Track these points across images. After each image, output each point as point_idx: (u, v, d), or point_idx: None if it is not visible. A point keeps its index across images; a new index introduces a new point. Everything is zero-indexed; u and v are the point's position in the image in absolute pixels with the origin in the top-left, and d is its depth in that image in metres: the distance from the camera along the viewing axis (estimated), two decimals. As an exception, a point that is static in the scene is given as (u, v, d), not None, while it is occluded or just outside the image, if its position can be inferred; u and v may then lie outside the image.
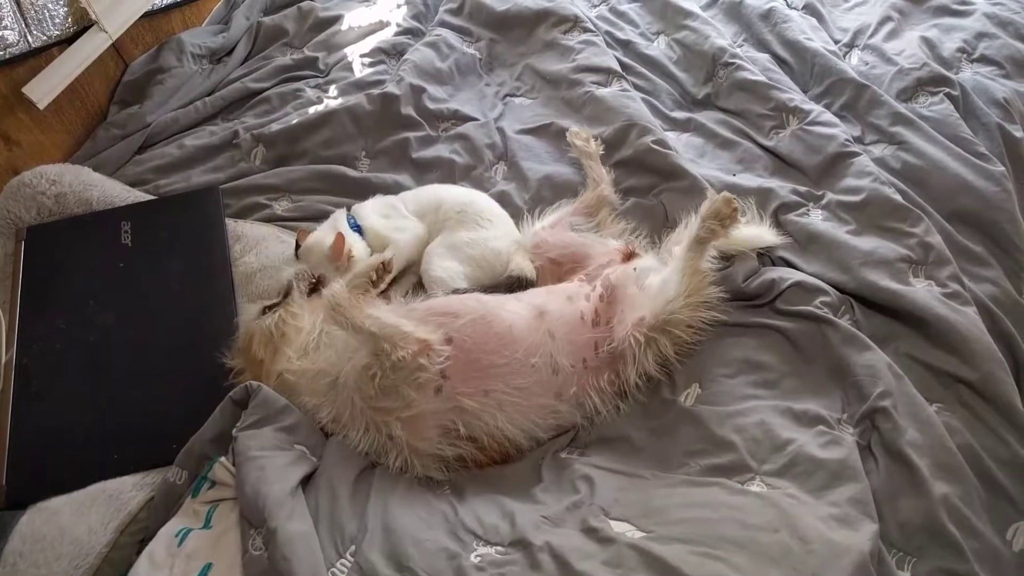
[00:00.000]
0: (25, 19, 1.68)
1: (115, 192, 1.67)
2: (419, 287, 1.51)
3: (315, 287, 1.40)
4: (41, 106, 1.71)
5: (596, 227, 1.55)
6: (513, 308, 1.28)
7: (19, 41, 1.67)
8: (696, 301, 1.28)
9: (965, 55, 1.78)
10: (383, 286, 1.29)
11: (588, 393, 1.26)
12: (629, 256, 1.43)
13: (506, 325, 1.24)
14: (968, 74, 1.74)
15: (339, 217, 1.56)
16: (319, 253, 1.47)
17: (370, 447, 1.21)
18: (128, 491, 1.24)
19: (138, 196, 1.69)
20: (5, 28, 1.63)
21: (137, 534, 1.21)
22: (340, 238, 1.46)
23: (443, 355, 1.19)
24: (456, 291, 1.39)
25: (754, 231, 1.46)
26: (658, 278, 1.30)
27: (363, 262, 1.42)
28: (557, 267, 1.47)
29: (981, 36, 1.81)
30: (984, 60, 1.77)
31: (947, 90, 1.67)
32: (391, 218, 1.57)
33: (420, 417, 1.19)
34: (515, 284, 1.43)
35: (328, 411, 1.24)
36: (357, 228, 1.55)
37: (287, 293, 1.38)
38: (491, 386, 1.21)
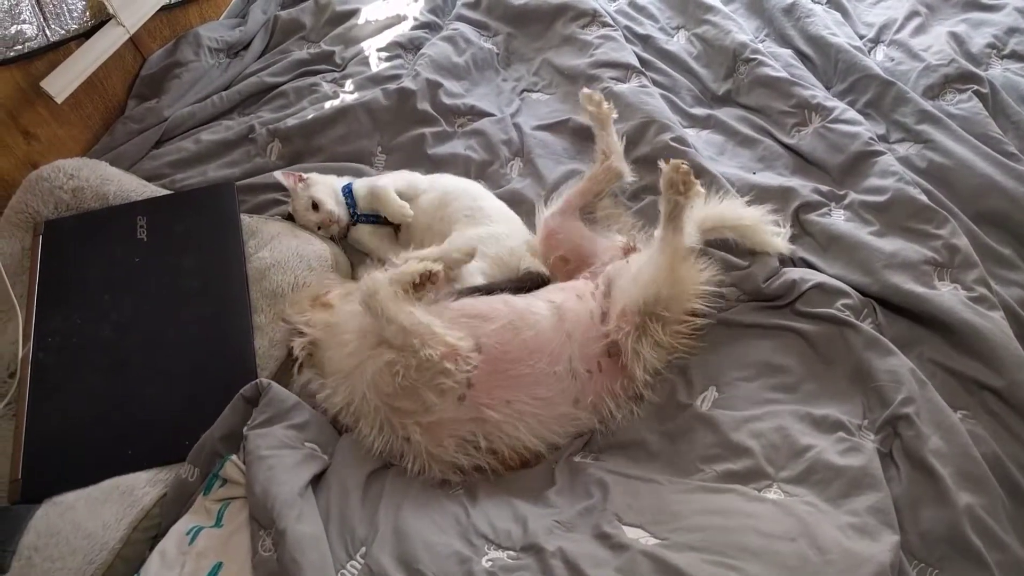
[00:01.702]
0: (43, 13, 1.68)
1: (132, 187, 1.67)
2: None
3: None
4: (59, 100, 1.72)
5: (606, 218, 1.52)
6: (538, 310, 1.26)
7: (37, 35, 1.67)
8: (681, 282, 1.24)
9: (995, 51, 1.75)
10: (421, 294, 1.24)
11: (604, 399, 1.24)
12: (628, 252, 1.41)
13: (533, 332, 1.22)
14: (998, 71, 1.70)
15: (340, 179, 1.66)
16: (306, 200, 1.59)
17: (385, 447, 1.20)
18: (142, 487, 1.24)
19: (154, 191, 1.69)
20: (23, 22, 1.63)
21: (150, 530, 1.21)
22: (288, 174, 1.62)
23: (471, 363, 1.17)
24: (475, 289, 1.37)
25: (731, 206, 1.43)
26: (637, 265, 1.28)
27: (409, 263, 1.32)
28: (565, 263, 1.45)
29: (1012, 31, 1.77)
30: (1015, 56, 1.73)
31: (976, 87, 1.63)
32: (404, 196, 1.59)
33: (440, 424, 1.17)
34: (531, 281, 1.41)
35: (343, 397, 1.22)
36: (349, 190, 1.62)
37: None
38: (514, 396, 1.19)
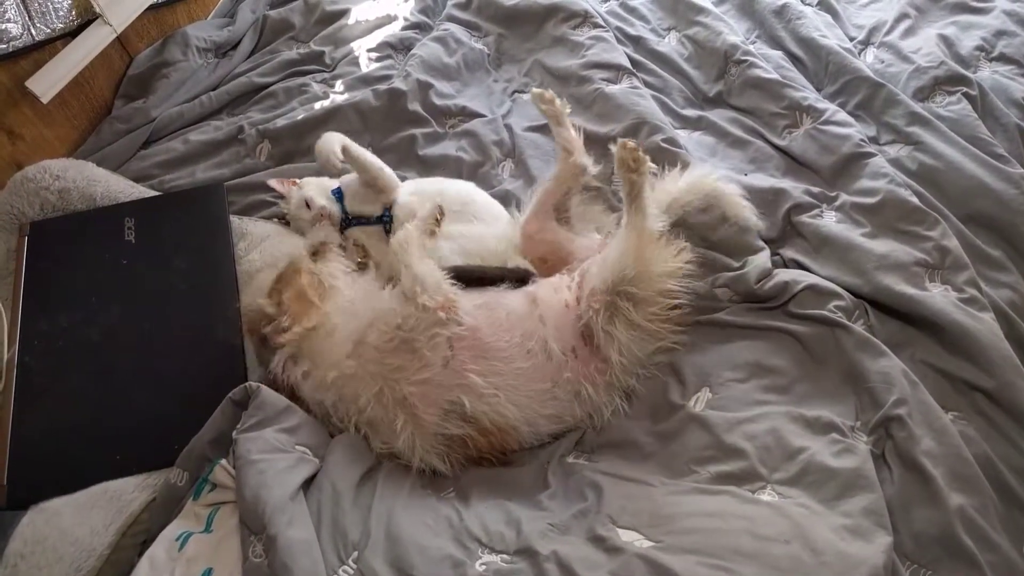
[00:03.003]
0: (28, 12, 1.66)
1: (119, 188, 1.65)
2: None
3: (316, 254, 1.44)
4: (45, 100, 1.69)
5: (581, 215, 1.50)
6: (511, 295, 1.31)
7: (22, 34, 1.65)
8: (649, 260, 1.23)
9: (984, 53, 1.75)
10: (439, 229, 1.41)
11: (582, 382, 1.24)
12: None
13: (505, 312, 1.27)
14: (987, 73, 1.71)
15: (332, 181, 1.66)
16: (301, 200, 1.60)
17: (379, 415, 1.21)
18: (130, 492, 1.22)
19: (142, 192, 1.68)
20: (8, 21, 1.61)
21: (139, 536, 1.20)
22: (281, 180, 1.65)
23: (459, 320, 1.23)
24: (451, 268, 1.36)
25: (696, 173, 1.46)
26: (606, 250, 1.29)
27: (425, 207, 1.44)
28: (544, 263, 1.45)
29: (1000, 34, 1.78)
30: (1003, 59, 1.73)
31: (965, 89, 1.64)
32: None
33: (429, 384, 1.20)
34: (514, 274, 1.39)
35: (346, 373, 1.23)
36: (339, 195, 1.62)
37: (319, 253, 1.43)
38: (493, 367, 1.22)
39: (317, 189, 1.61)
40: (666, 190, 1.43)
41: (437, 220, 1.40)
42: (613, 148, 1.24)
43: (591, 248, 1.43)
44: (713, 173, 1.47)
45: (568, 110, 1.51)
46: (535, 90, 1.54)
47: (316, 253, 1.42)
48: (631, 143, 1.22)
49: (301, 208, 1.59)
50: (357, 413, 1.23)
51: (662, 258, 1.27)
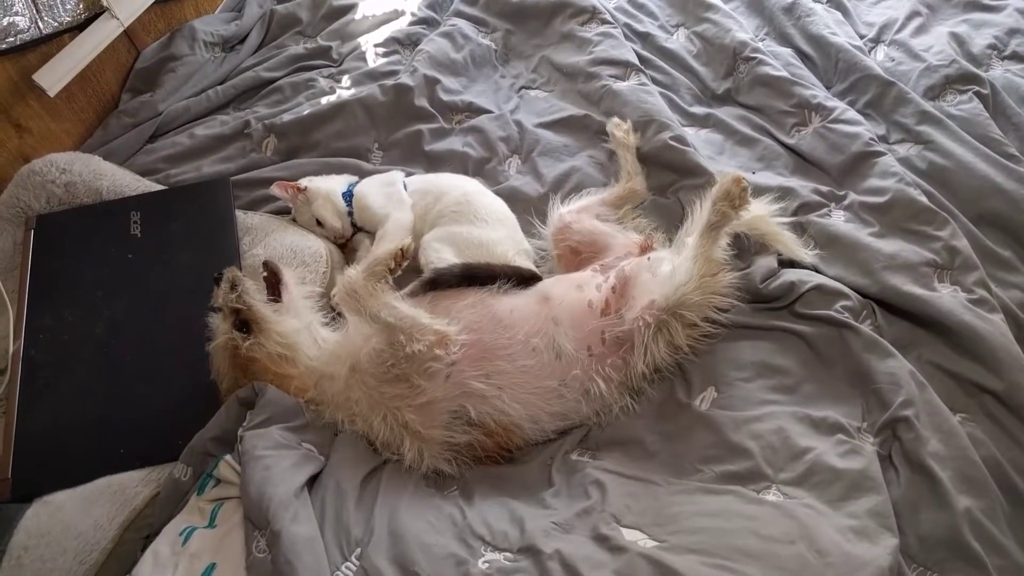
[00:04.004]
0: (36, 5, 1.66)
1: (125, 181, 1.65)
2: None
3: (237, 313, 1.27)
4: (52, 93, 1.70)
5: (619, 220, 1.52)
6: (517, 293, 1.29)
7: (30, 27, 1.65)
8: (709, 288, 1.26)
9: (996, 52, 1.74)
10: (399, 272, 1.26)
11: (593, 379, 1.24)
12: (646, 249, 1.41)
13: (507, 308, 1.26)
14: (999, 72, 1.69)
15: (343, 181, 1.63)
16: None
17: (388, 436, 1.21)
18: (134, 486, 1.22)
19: (148, 186, 1.68)
20: (16, 14, 1.61)
21: (142, 530, 1.20)
22: (285, 186, 1.58)
23: (459, 344, 1.20)
24: (463, 265, 1.36)
25: (769, 217, 1.43)
26: (670, 265, 1.28)
27: (375, 247, 1.41)
28: (575, 255, 1.45)
29: (1013, 32, 1.76)
30: (1016, 57, 1.72)
31: (976, 88, 1.62)
32: (389, 199, 1.56)
33: (430, 404, 1.19)
34: (516, 273, 1.36)
35: (353, 411, 1.23)
36: (350, 196, 1.59)
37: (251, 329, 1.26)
38: (495, 367, 1.21)
39: (327, 205, 1.57)
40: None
41: (397, 263, 1.24)
42: (720, 177, 1.26)
43: (629, 247, 1.42)
44: (774, 215, 1.44)
45: (638, 143, 1.61)
46: (615, 119, 1.66)
47: (245, 329, 1.26)
48: (745, 181, 1.25)
49: (313, 225, 1.60)
50: (372, 435, 1.22)
51: (718, 286, 1.28)
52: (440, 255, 1.42)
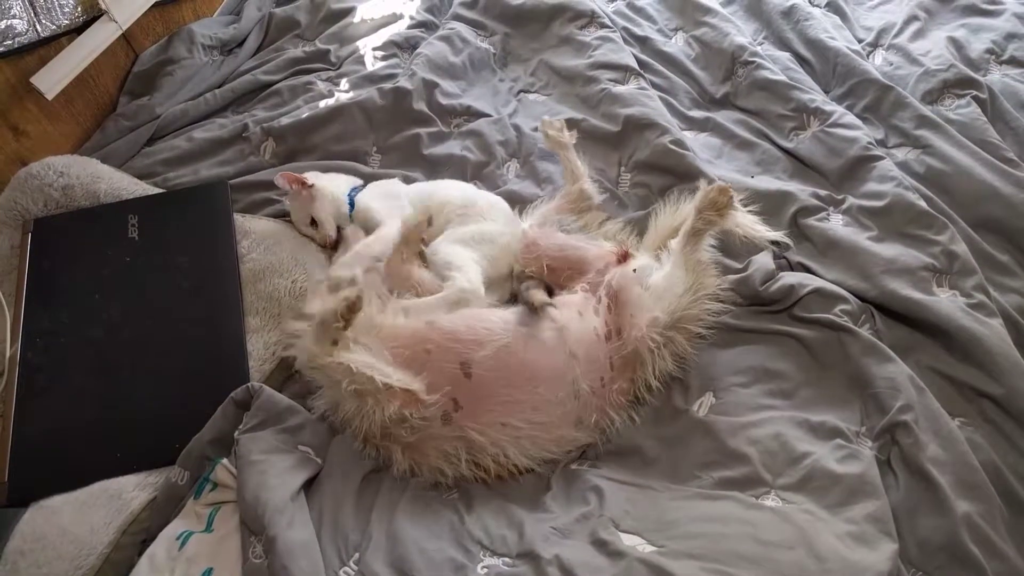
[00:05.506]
0: (34, 8, 1.65)
1: (123, 185, 1.65)
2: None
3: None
4: (50, 96, 1.69)
5: (584, 227, 1.49)
6: (540, 333, 1.22)
7: (28, 30, 1.65)
8: (703, 294, 1.26)
9: (994, 56, 1.74)
10: (352, 320, 1.18)
11: (607, 412, 1.22)
12: (624, 257, 1.38)
13: (533, 355, 1.19)
14: (997, 76, 1.69)
15: (348, 182, 1.61)
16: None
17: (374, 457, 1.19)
18: (130, 491, 1.21)
19: (146, 189, 1.67)
20: (14, 17, 1.61)
21: (139, 534, 1.19)
22: (290, 178, 1.54)
23: (435, 402, 1.14)
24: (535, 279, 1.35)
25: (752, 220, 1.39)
26: (661, 276, 1.27)
27: (326, 302, 1.25)
28: (553, 273, 1.40)
29: (1011, 37, 1.76)
30: (1014, 62, 1.72)
31: (974, 92, 1.62)
32: (389, 206, 1.54)
33: (422, 441, 1.15)
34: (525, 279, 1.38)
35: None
36: (352, 197, 1.57)
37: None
38: (509, 420, 1.16)
39: (328, 207, 1.54)
40: (682, 215, 1.39)
41: (345, 319, 1.16)
42: (703, 184, 1.26)
43: (605, 257, 1.38)
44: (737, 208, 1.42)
45: (574, 140, 1.57)
46: (545, 118, 1.62)
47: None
48: (731, 190, 1.25)
49: (306, 224, 1.56)
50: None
51: (709, 287, 1.29)
52: (453, 251, 1.41)
